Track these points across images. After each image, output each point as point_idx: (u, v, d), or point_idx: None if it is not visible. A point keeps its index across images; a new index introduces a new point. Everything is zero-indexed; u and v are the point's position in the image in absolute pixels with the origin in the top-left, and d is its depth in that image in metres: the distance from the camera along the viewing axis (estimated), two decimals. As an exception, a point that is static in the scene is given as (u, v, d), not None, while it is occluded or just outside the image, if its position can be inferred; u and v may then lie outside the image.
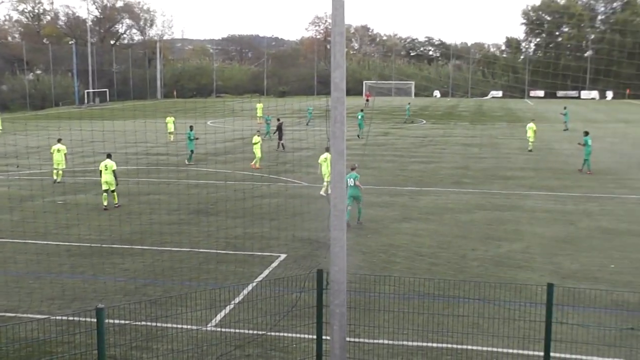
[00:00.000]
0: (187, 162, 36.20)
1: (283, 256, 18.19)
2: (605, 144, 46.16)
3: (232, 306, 14.11)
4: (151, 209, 24.11)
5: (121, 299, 14.63)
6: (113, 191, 25.04)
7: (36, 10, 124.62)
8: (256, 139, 34.80)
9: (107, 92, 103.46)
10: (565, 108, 61.28)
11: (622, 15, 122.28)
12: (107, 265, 17.40)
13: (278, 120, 45.51)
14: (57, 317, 13.33)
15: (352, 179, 21.78)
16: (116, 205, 24.93)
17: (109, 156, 25.43)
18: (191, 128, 37.09)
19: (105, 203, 24.83)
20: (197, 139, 36.83)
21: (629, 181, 30.92)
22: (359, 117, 51.56)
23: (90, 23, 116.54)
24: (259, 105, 66.11)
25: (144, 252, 18.58)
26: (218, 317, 13.51)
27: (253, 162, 34.55)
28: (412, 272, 16.63)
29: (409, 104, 74.84)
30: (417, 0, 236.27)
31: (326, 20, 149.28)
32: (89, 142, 33.98)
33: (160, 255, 18.25)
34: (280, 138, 42.61)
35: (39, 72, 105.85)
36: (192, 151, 36.52)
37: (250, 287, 15.36)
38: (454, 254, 18.47)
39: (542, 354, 10.73)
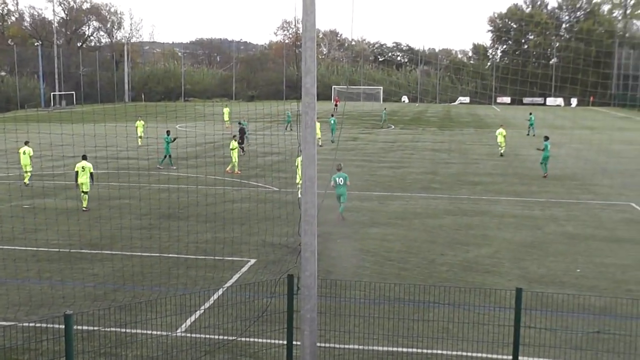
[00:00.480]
0: (171, 166, 36.22)
1: (253, 261, 18.13)
2: (571, 150, 46.83)
3: (201, 311, 14.03)
4: (120, 213, 23.88)
5: (89, 305, 14.46)
6: (85, 193, 24.94)
7: (0, 11, 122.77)
8: (233, 144, 34.78)
9: (74, 95, 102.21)
10: (530, 114, 62.07)
11: (585, 24, 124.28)
12: (75, 270, 17.19)
13: (240, 124, 45.46)
14: (24, 324, 13.13)
15: (341, 179, 23.32)
16: (84, 209, 24.72)
17: (84, 157, 25.32)
18: (168, 133, 37.05)
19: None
20: (175, 139, 36.77)
21: (594, 187, 31.41)
22: (332, 122, 51.83)
23: (56, 24, 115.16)
24: (226, 110, 65.89)
25: (112, 257, 18.39)
26: (187, 323, 13.42)
27: (229, 167, 34.57)
28: (381, 277, 16.69)
29: (385, 109, 75.25)
30: (385, 6, 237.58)
31: (295, 25, 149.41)
32: (57, 145, 33.55)
33: (129, 260, 18.08)
34: (241, 142, 42.70)
35: (3, 73, 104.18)
36: (169, 155, 36.42)
37: (220, 292, 15.29)
38: (422, 259, 18.58)
39: (510, 357, 10.85)
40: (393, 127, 67.95)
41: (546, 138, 35.06)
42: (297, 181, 26.02)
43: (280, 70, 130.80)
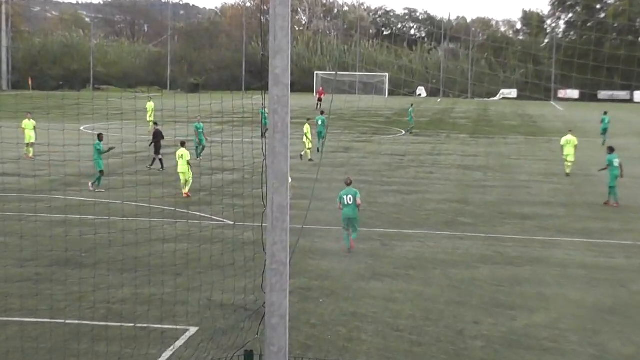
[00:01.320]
0: (91, 187, 36.65)
1: (193, 330, 18.05)
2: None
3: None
4: (-9, 257, 23.70)
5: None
6: None
7: None
8: (184, 153, 34.96)
9: None
10: (605, 114, 62.39)
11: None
12: None
13: (155, 124, 45.50)
14: None
15: (350, 196, 24.83)
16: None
17: None
18: (100, 137, 37.02)
19: None
20: (111, 149, 36.77)
21: None
22: (319, 122, 51.95)
23: None
24: (150, 105, 65.95)
25: (-21, 324, 18.20)
26: None
27: (186, 190, 35.26)
28: (385, 355, 16.67)
29: (412, 105, 73.88)
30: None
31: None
32: None
33: (3, 330, 17.89)
34: (157, 152, 43.34)
35: None
36: (101, 171, 36.48)
37: (142, 378, 15.16)
38: (446, 329, 18.55)
39: None
40: (404, 132, 68.21)
41: (611, 150, 35.38)
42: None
43: (237, 47, 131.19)
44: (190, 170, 35.14)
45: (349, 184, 25.65)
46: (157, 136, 43.47)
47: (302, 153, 47.89)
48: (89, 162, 39.77)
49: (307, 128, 48.41)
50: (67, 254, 24.21)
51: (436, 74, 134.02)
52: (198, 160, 44.51)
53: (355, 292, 21.43)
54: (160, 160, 42.88)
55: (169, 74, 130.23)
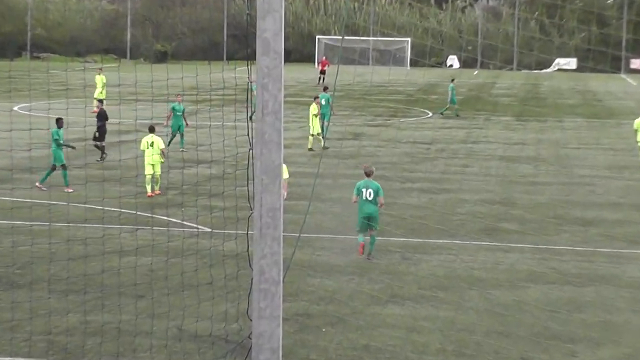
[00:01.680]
0: (67, 189, 36.36)
1: (159, 368, 18.06)
2: None
3: None
4: None
5: None
6: None
7: None
8: (155, 141, 35.03)
9: None
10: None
11: None
12: None
13: (100, 103, 45.54)
14: None
15: (370, 190, 25.54)
16: None
17: None
18: (59, 124, 37.50)
19: None
20: (73, 147, 36.87)
21: None
22: (324, 101, 51.90)
23: None
24: (100, 79, 66.04)
25: None
26: None
27: (156, 188, 36.07)
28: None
29: (453, 80, 73.14)
30: None
31: None
32: None
33: None
34: (99, 137, 43.73)
35: None
36: (62, 165, 36.83)
37: None
38: (487, 368, 18.55)
39: None
40: (430, 114, 68.26)
41: None
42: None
43: (217, 5, 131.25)
44: (156, 166, 35.07)
45: (369, 175, 26.15)
46: (102, 118, 43.39)
47: (322, 144, 47.86)
48: (24, 153, 39.83)
49: (314, 108, 48.20)
50: (-3, 271, 24.25)
51: (472, 39, 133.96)
52: (166, 149, 44.58)
53: (368, 319, 21.42)
54: (103, 147, 42.77)
55: (129, 38, 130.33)
